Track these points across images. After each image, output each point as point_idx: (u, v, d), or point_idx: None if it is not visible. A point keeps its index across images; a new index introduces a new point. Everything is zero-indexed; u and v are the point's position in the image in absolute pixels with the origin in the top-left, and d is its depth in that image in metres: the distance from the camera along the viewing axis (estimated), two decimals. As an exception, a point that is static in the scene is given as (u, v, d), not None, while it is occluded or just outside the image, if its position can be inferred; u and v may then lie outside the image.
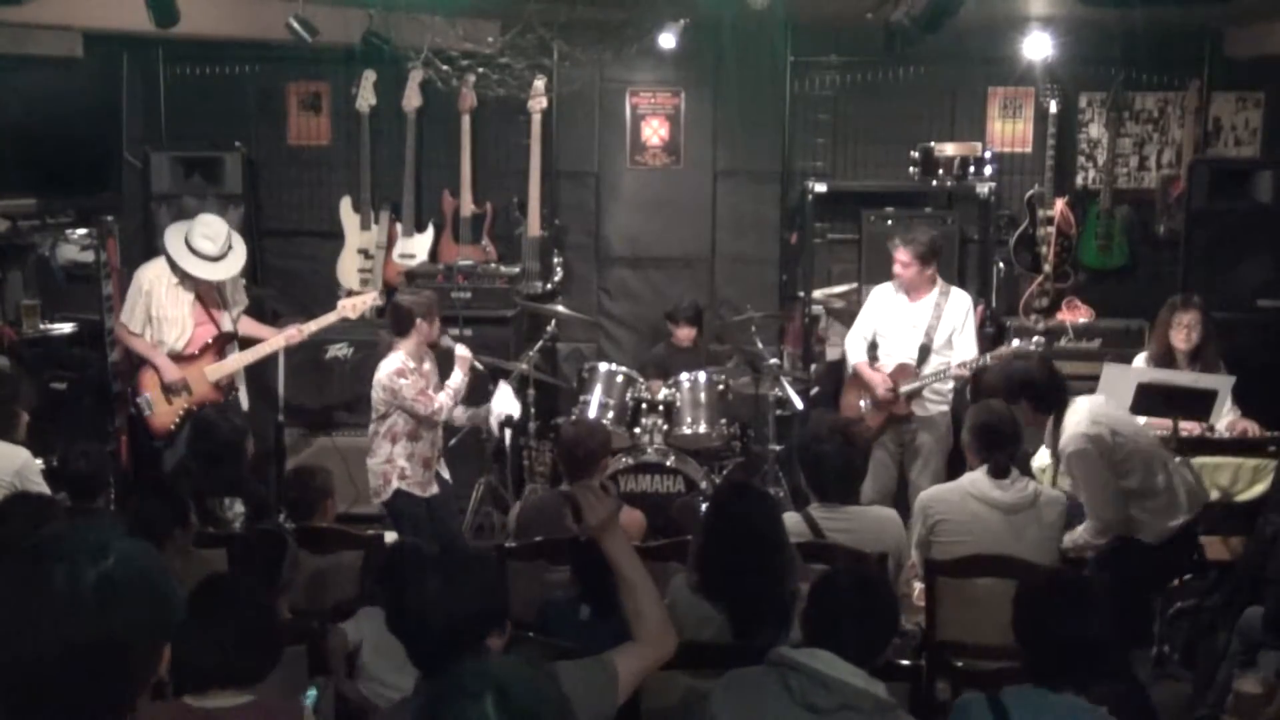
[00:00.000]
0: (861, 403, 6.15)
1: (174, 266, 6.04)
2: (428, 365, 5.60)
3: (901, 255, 6.02)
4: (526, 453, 6.77)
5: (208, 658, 2.62)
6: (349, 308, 6.10)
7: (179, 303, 6.07)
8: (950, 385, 6.07)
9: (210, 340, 6.12)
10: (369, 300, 6.16)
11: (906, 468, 6.12)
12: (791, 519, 4.13)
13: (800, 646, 2.80)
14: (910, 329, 6.06)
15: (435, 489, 5.62)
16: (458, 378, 5.62)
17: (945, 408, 6.09)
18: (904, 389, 5.99)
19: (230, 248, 6.14)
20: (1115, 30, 6.95)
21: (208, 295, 6.16)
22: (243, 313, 6.36)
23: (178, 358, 6.06)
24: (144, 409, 6.06)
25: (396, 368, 5.39)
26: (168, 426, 6.05)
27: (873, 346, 6.21)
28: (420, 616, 2.44)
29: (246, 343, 6.24)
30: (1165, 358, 5.81)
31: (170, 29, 5.13)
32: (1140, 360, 5.94)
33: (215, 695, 2.63)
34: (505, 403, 6.14)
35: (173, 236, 6.12)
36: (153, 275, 6.08)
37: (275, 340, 6.17)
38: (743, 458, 6.72)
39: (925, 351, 6.01)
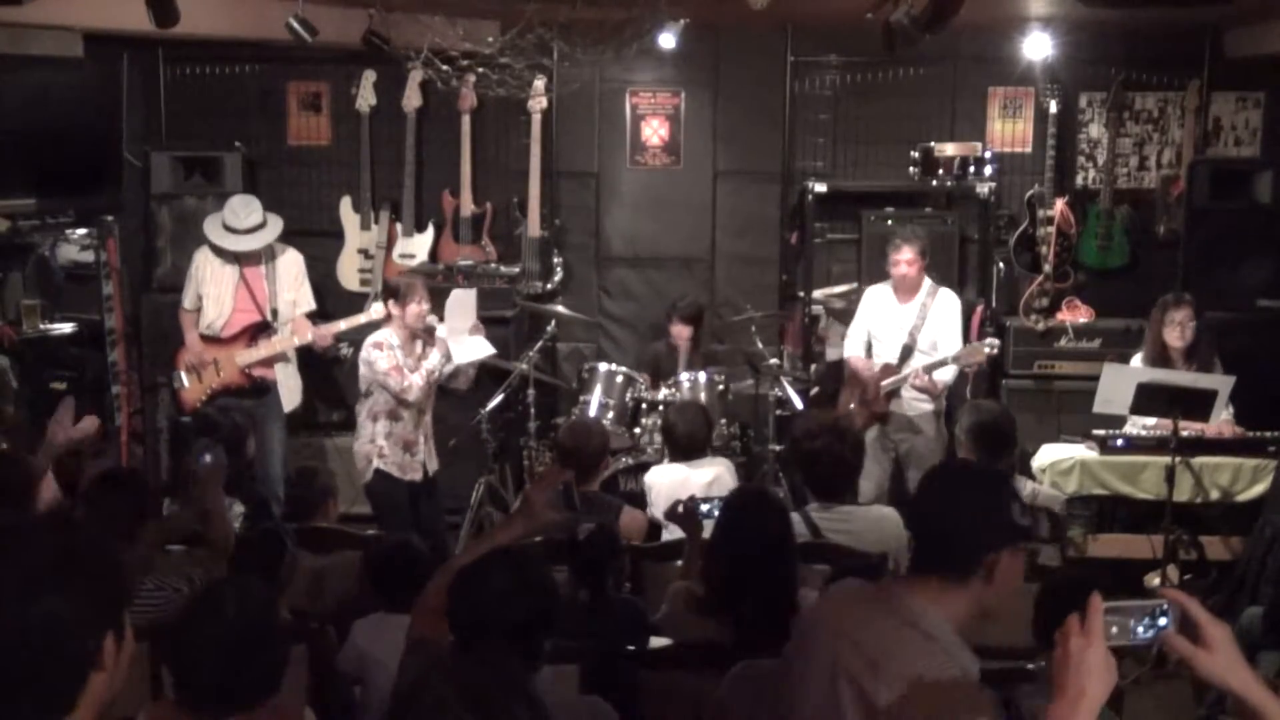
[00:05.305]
0: (852, 404, 6.17)
1: (212, 247, 6.30)
2: (419, 348, 5.61)
3: (906, 253, 6.02)
4: (526, 453, 6.76)
5: (205, 675, 2.42)
6: (379, 312, 6.04)
7: (222, 283, 6.28)
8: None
9: (247, 326, 6.23)
10: None
11: (905, 473, 6.11)
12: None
13: None
14: (898, 329, 6.07)
15: (417, 475, 5.62)
16: (434, 359, 5.56)
17: (930, 407, 6.06)
18: (882, 386, 6.00)
19: (264, 222, 6.35)
20: (1115, 30, 6.95)
21: (255, 283, 6.30)
22: (305, 315, 6.41)
23: (214, 339, 6.22)
24: (175, 384, 6.26)
25: (375, 341, 5.48)
26: (195, 403, 6.18)
27: (869, 347, 6.22)
28: (486, 613, 2.44)
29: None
30: (1160, 357, 5.85)
31: (170, 29, 5.13)
32: (1136, 360, 5.95)
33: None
34: (473, 350, 6.08)
35: (210, 218, 6.43)
36: (204, 254, 6.35)
37: (301, 334, 6.23)
38: (743, 458, 6.71)
39: (908, 351, 6.02)
